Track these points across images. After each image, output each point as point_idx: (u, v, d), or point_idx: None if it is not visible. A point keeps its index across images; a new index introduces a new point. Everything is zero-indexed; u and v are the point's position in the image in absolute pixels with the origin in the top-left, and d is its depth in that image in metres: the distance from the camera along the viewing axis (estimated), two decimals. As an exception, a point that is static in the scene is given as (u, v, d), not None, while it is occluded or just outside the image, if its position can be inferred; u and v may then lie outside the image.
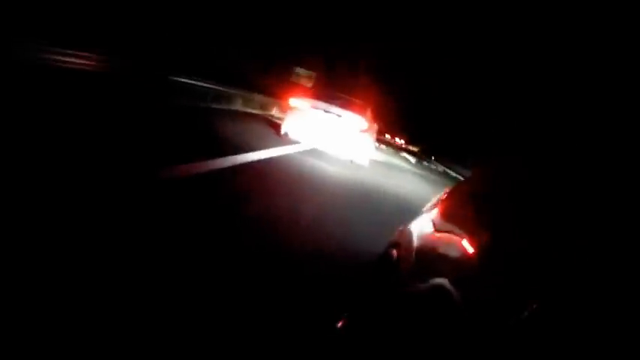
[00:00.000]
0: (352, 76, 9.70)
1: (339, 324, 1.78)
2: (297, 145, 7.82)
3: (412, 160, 22.98)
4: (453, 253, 1.20)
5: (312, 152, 7.85)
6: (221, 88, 11.50)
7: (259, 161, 5.68)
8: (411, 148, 41.58)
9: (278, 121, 9.64)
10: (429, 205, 1.94)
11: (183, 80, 9.96)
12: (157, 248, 2.24)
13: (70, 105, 4.87)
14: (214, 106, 10.61)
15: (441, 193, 2.02)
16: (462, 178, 17.58)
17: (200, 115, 8.74)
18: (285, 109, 8.15)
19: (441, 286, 1.06)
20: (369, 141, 8.24)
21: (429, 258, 1.33)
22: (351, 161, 7.83)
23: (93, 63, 8.06)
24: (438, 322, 0.98)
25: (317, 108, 7.74)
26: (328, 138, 7.68)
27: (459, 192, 1.95)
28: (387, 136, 37.18)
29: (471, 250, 1.11)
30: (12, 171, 2.46)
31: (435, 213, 1.72)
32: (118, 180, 2.93)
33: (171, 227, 2.55)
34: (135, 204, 2.68)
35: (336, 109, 7.73)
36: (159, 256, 2.18)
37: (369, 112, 8.34)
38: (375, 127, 10.38)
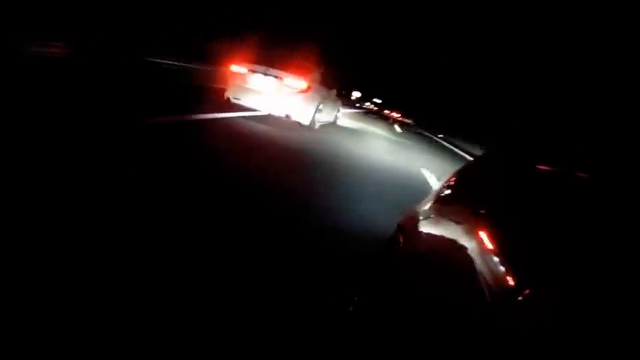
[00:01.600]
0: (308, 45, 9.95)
1: (351, 308, 1.81)
2: (237, 108, 8.18)
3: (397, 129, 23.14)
4: (459, 236, 1.17)
5: (250, 114, 8.23)
6: (189, 65, 12.15)
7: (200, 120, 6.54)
8: (405, 120, 47.29)
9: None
10: (438, 185, 1.93)
11: (156, 60, 11.01)
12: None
13: (61, 83, 6.19)
14: (180, 80, 11.14)
15: (450, 173, 1.95)
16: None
17: (166, 87, 9.19)
18: (227, 76, 8.45)
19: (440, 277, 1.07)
20: (310, 101, 8.48)
21: (430, 242, 1.31)
22: (287, 116, 8.08)
23: (67, 50, 8.91)
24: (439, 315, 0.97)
25: (255, 72, 8.03)
26: (266, 99, 7.98)
27: (468, 173, 1.85)
28: (386, 111, 45.25)
29: (484, 239, 1.08)
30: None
31: (442, 194, 1.67)
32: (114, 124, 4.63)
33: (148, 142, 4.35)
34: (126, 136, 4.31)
35: (274, 72, 8.01)
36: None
37: (314, 75, 8.57)
38: (333, 92, 10.61)
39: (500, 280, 0.84)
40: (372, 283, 1.75)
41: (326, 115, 10.33)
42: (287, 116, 8.07)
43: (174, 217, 2.71)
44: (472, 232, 1.10)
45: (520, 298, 0.74)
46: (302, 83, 8.04)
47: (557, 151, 1.55)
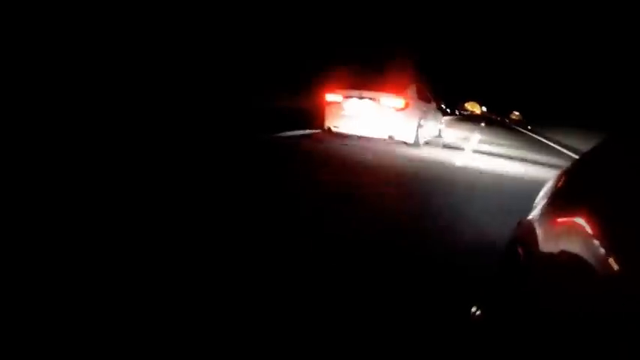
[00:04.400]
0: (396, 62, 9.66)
1: (473, 317, 1.79)
2: (341, 136, 8.04)
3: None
4: (577, 245, 1.07)
5: (352, 139, 8.08)
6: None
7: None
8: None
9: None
10: (545, 190, 1.76)
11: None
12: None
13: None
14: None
15: (555, 176, 1.80)
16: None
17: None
18: (324, 105, 8.36)
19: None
20: (411, 118, 8.04)
21: (555, 254, 1.21)
22: (390, 137, 7.73)
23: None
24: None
25: (350, 97, 7.85)
26: (366, 123, 7.72)
27: (580, 170, 1.67)
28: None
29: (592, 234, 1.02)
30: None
31: (554, 198, 1.55)
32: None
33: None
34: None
35: (369, 94, 7.76)
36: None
37: (410, 90, 8.16)
38: (432, 105, 10.04)
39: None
40: (493, 296, 1.69)
41: (429, 130, 9.77)
42: (390, 137, 7.70)
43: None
44: (595, 243, 0.97)
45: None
46: (399, 101, 7.65)
47: None
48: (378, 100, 7.66)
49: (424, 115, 8.86)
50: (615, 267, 0.84)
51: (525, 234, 1.57)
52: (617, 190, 1.14)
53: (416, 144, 8.37)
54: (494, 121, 40.06)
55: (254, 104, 12.47)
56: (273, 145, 6.96)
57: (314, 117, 9.38)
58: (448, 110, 35.99)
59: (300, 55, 16.87)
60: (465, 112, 52.10)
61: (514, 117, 46.80)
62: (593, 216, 1.08)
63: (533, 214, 1.61)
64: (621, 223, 0.95)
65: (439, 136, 11.52)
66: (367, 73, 8.50)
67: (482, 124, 28.57)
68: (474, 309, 1.80)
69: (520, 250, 1.54)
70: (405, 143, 8.21)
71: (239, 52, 14.50)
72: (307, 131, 8.88)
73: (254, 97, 12.69)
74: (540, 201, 1.67)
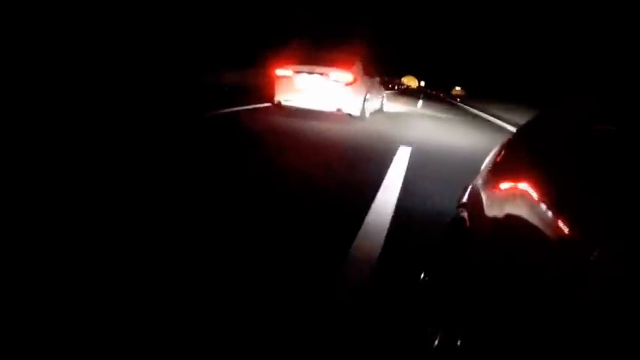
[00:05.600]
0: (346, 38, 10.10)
1: (421, 279, 1.91)
2: (289, 108, 8.45)
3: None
4: (523, 209, 1.12)
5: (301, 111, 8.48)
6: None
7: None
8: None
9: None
10: (490, 156, 1.82)
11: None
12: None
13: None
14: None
15: (499, 144, 1.88)
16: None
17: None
18: (273, 80, 8.68)
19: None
20: (358, 93, 8.57)
21: (499, 218, 1.26)
22: (338, 110, 8.27)
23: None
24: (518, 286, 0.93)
25: (301, 72, 8.24)
26: (315, 97, 8.17)
27: (519, 140, 1.74)
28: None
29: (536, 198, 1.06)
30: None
31: (497, 166, 1.62)
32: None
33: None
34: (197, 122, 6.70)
35: (319, 69, 8.18)
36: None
37: (357, 66, 8.65)
38: (376, 80, 10.62)
39: (572, 247, 0.80)
40: (443, 260, 1.76)
41: (373, 104, 10.37)
42: (338, 110, 8.21)
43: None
44: (538, 206, 1.03)
45: (591, 259, 0.71)
46: (348, 76, 8.15)
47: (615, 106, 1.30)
48: (328, 75, 8.10)
49: (369, 89, 9.43)
50: (562, 226, 0.86)
51: (471, 200, 1.64)
52: (554, 158, 1.21)
53: (362, 116, 8.95)
54: (432, 95, 41.25)
55: (206, 80, 12.52)
56: (217, 120, 7.22)
57: (265, 92, 9.69)
58: (390, 85, 36.36)
59: (252, 31, 16.95)
60: (402, 87, 53.11)
61: (456, 92, 48.61)
62: (536, 181, 1.13)
63: (479, 181, 1.68)
64: (562, 187, 1.00)
65: (381, 109, 12.19)
66: (316, 49, 8.88)
67: (421, 98, 29.85)
68: (422, 275, 1.93)
69: (466, 215, 1.61)
70: (351, 115, 8.74)
71: (191, 27, 14.36)
72: (258, 105, 9.22)
73: (206, 73, 12.71)
74: (485, 169, 1.73)
